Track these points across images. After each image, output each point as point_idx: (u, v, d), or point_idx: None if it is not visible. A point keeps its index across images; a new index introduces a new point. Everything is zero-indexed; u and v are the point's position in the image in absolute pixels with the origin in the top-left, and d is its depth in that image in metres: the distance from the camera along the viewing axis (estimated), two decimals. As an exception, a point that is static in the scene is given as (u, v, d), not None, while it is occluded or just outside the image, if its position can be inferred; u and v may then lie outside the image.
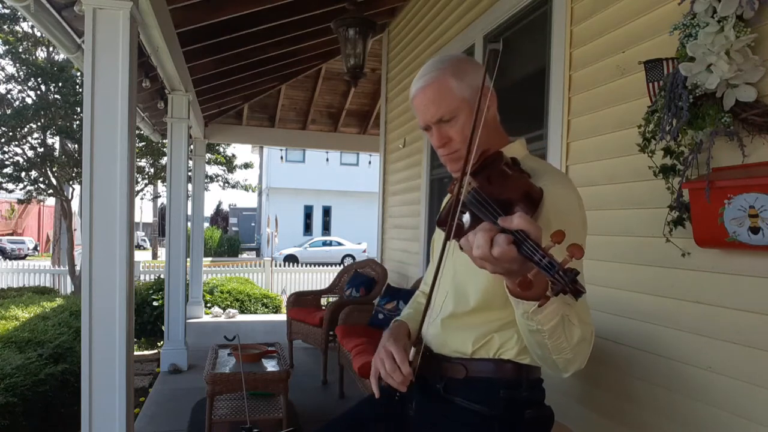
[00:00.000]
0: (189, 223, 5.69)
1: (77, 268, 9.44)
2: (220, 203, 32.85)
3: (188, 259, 5.45)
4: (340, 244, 22.45)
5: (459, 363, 1.21)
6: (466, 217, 0.93)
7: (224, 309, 7.20)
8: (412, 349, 1.15)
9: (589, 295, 0.88)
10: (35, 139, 9.41)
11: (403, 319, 1.36)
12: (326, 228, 24.98)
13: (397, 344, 1.19)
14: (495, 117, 1.24)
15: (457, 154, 1.19)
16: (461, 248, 0.89)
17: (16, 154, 9.36)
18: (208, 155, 11.21)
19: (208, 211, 31.61)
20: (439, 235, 1.39)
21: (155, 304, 6.43)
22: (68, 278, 9.56)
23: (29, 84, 9.25)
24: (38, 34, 8.76)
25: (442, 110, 1.17)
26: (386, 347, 1.19)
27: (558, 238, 0.76)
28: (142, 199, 15.64)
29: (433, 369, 1.25)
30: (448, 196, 1.25)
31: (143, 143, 10.18)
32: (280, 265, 12.00)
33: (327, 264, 13.53)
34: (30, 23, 5.28)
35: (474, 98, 1.17)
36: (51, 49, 9.56)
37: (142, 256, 19.10)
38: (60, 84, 9.05)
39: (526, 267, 0.81)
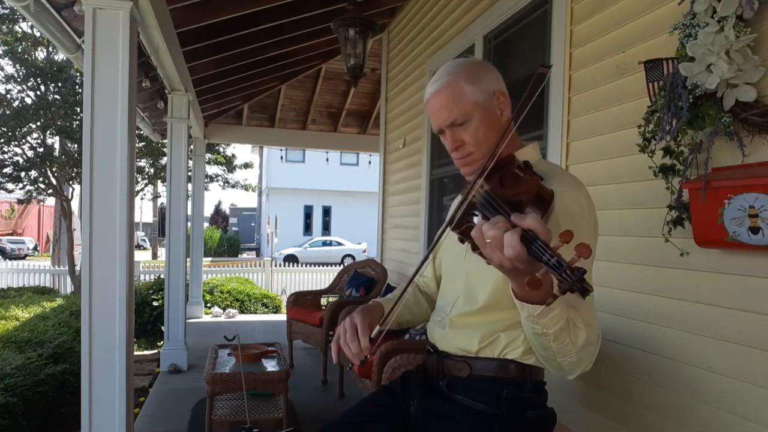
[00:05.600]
0: (189, 223, 5.68)
1: (77, 268, 9.43)
2: (220, 203, 32.80)
3: (188, 259, 5.45)
4: (340, 244, 22.45)
5: (463, 361, 1.21)
6: (478, 219, 0.94)
7: (224, 309, 7.20)
8: (377, 328, 1.16)
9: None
10: (35, 139, 9.39)
11: (381, 301, 1.34)
12: (326, 228, 24.99)
13: (363, 318, 1.19)
14: (509, 121, 1.24)
15: (470, 158, 1.21)
16: (471, 246, 0.89)
17: (16, 154, 9.35)
18: (208, 155, 11.20)
19: (208, 211, 31.60)
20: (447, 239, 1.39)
21: (155, 304, 6.43)
22: (68, 278, 9.54)
23: (29, 84, 9.24)
24: (38, 34, 8.75)
25: (454, 114, 1.18)
26: (352, 318, 1.20)
27: (566, 237, 0.76)
28: (142, 199, 15.61)
29: (436, 366, 1.25)
30: (458, 197, 1.26)
31: (143, 143, 10.17)
32: (280, 265, 12.02)
33: (327, 264, 13.52)
34: (30, 23, 5.27)
35: (487, 102, 1.18)
36: (51, 49, 9.55)
37: (142, 256, 19.10)
38: (60, 84, 9.05)
39: (532, 267, 0.82)
